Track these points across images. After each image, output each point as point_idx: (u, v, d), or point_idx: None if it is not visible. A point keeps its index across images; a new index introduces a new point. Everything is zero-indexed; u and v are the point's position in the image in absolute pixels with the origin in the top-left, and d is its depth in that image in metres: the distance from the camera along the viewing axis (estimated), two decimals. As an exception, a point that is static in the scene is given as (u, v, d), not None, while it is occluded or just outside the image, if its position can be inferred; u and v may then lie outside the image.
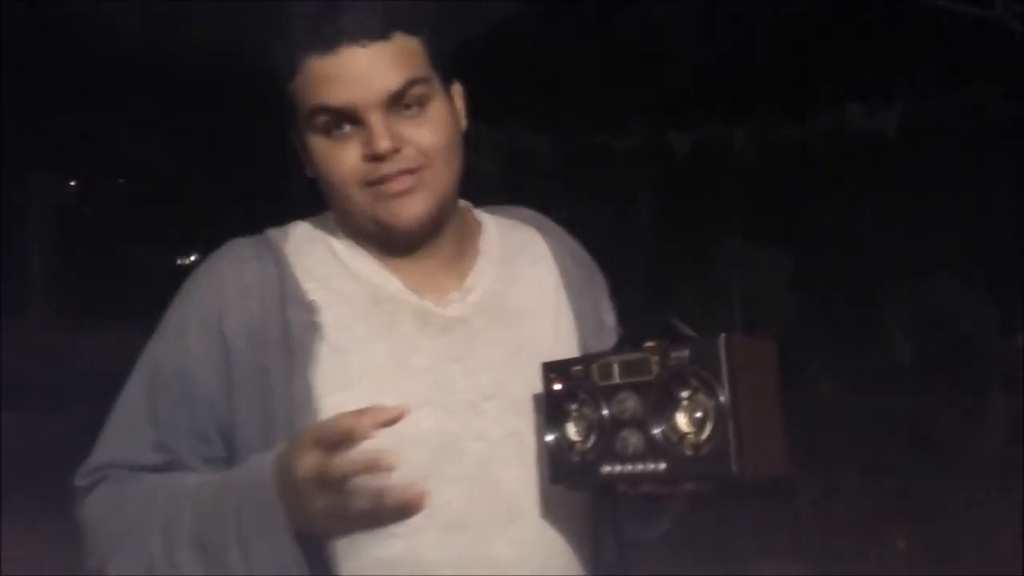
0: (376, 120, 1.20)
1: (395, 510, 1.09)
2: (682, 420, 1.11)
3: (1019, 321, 7.18)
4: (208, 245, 1.37)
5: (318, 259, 1.29)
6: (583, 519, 1.29)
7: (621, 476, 1.14)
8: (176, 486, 1.23)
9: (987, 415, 6.34)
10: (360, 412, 1.06)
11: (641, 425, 1.13)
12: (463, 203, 1.36)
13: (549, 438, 1.19)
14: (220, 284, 1.27)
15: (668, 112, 8.75)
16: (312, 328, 1.24)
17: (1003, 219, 7.26)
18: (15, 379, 7.37)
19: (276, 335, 1.23)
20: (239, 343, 1.24)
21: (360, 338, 1.24)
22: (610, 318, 1.42)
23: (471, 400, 1.25)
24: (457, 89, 1.31)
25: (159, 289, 1.34)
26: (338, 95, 1.20)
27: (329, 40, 1.20)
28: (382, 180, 1.22)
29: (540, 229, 1.41)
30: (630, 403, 1.14)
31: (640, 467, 1.12)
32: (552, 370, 1.20)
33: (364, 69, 1.20)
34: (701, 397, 1.10)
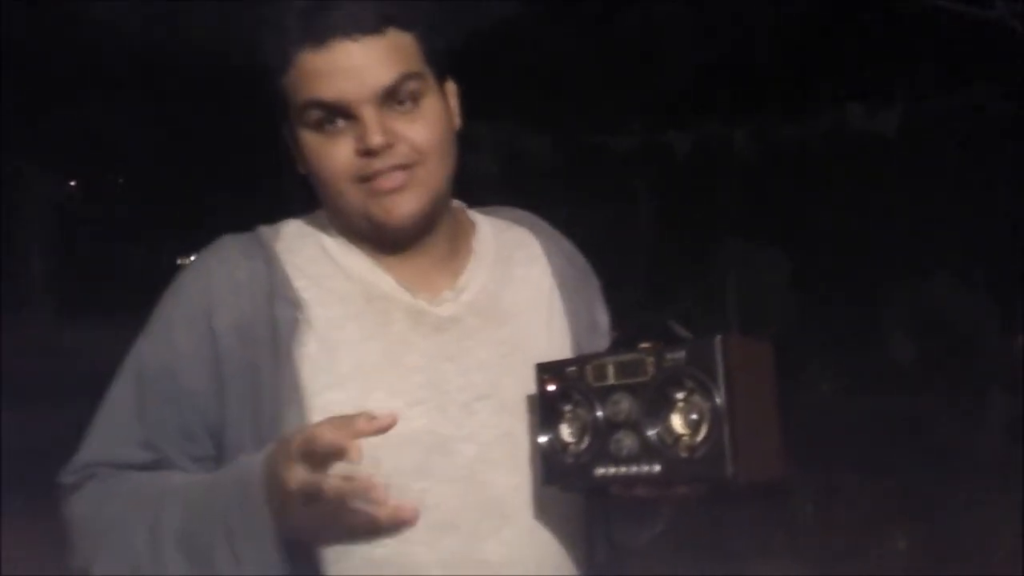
0: (369, 115, 1.19)
1: (385, 525, 1.08)
2: (677, 422, 1.10)
3: (1019, 321, 7.17)
4: (208, 245, 1.37)
5: (310, 257, 1.28)
6: (576, 520, 1.28)
7: (615, 478, 1.12)
8: (163, 485, 1.22)
9: (987, 415, 6.34)
10: (349, 420, 1.04)
11: (636, 427, 1.11)
12: (456, 203, 1.35)
13: (542, 439, 1.18)
14: (210, 281, 1.26)
15: (668, 112, 8.75)
16: (303, 326, 1.23)
17: (1003, 219, 7.26)
18: (15, 379, 7.37)
19: (266, 333, 1.22)
20: (229, 340, 1.22)
21: (352, 336, 1.23)
22: (604, 319, 1.41)
23: (464, 400, 1.24)
24: (451, 87, 1.30)
25: (159, 288, 1.33)
26: (330, 89, 1.19)
27: (322, 34, 1.19)
28: (374, 176, 1.21)
29: (534, 230, 1.41)
30: (625, 404, 1.12)
31: (634, 469, 1.11)
32: (546, 371, 1.19)
33: (357, 63, 1.19)
34: (697, 399, 1.09)
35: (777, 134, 8.51)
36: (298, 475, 1.06)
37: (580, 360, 1.18)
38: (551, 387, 1.18)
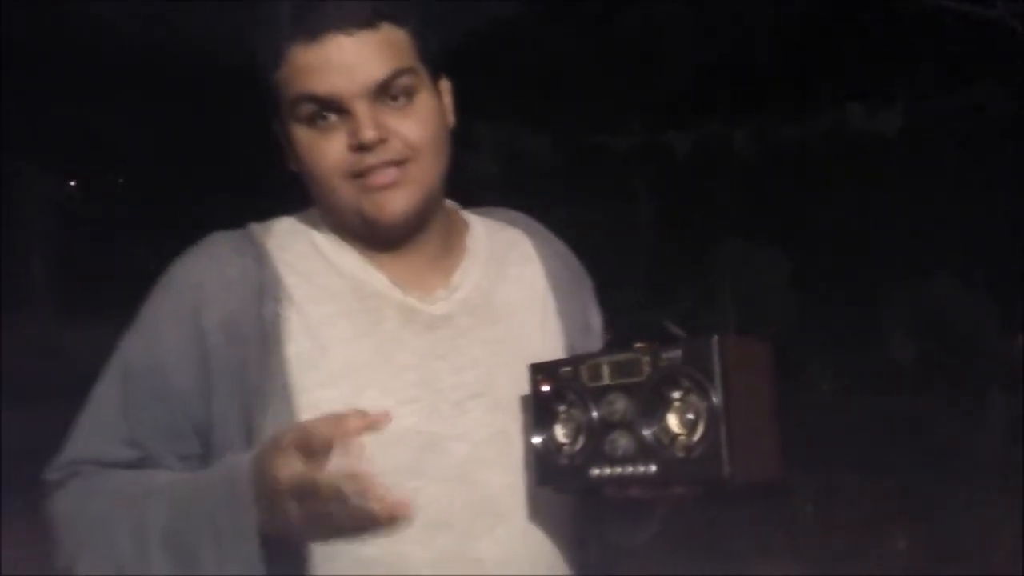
0: (362, 109, 1.18)
1: (378, 516, 1.04)
2: (673, 421, 1.09)
3: (1019, 321, 7.17)
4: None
5: (301, 254, 1.27)
6: (569, 520, 1.27)
7: (610, 479, 1.11)
8: (148, 484, 1.20)
9: (987, 415, 6.34)
10: (341, 417, 1.03)
11: (631, 427, 1.10)
12: (450, 203, 1.34)
13: (536, 440, 1.17)
14: (199, 278, 1.25)
15: (668, 112, 8.75)
16: (293, 323, 1.22)
17: (1003, 219, 7.26)
18: (15, 379, 7.36)
19: (255, 330, 1.21)
20: (218, 338, 1.21)
21: (344, 334, 1.22)
22: (597, 321, 1.41)
23: (456, 399, 1.23)
24: (445, 84, 1.29)
25: (158, 289, 1.32)
26: (323, 84, 1.18)
27: (314, 28, 1.18)
28: (367, 172, 1.20)
29: (527, 231, 1.40)
30: (620, 404, 1.11)
31: (630, 469, 1.10)
32: (540, 371, 1.18)
33: (350, 58, 1.18)
34: (693, 398, 1.08)
35: (777, 134, 8.51)
36: (291, 469, 1.04)
37: (574, 360, 1.17)
38: (545, 387, 1.17)
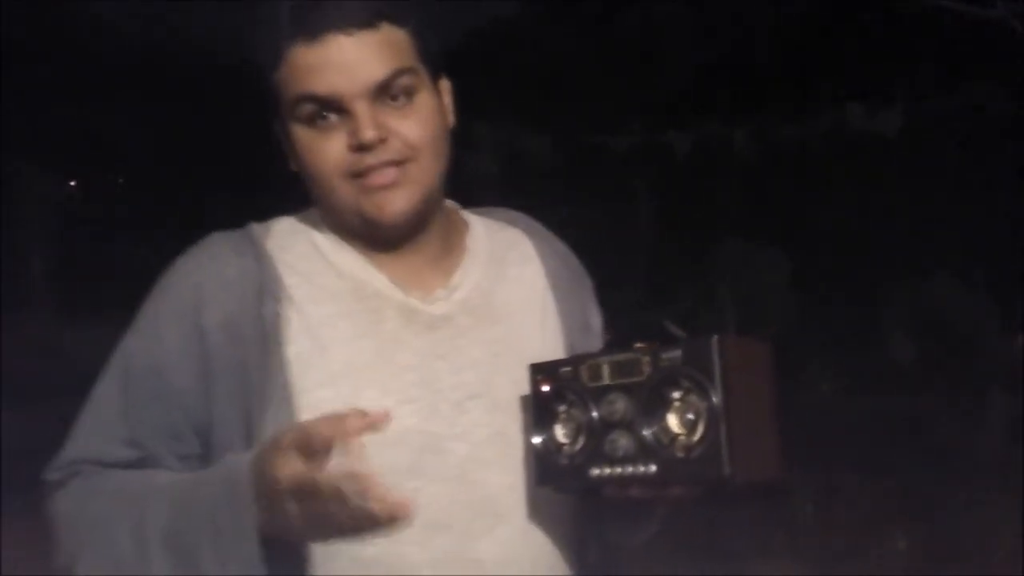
0: (362, 109, 1.18)
1: (374, 522, 1.04)
2: (673, 421, 1.09)
3: (1019, 321, 7.17)
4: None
5: (301, 254, 1.27)
6: (569, 520, 1.27)
7: (610, 479, 1.11)
8: (148, 484, 1.20)
9: (987, 415, 6.34)
10: (341, 417, 1.03)
11: (631, 426, 1.10)
12: (450, 203, 1.34)
13: (536, 440, 1.17)
14: (199, 278, 1.24)
15: (668, 112, 8.75)
16: (293, 324, 1.21)
17: (1003, 219, 7.26)
18: (15, 379, 7.36)
19: (255, 330, 1.20)
20: (218, 338, 1.21)
21: (343, 334, 1.22)
22: (597, 321, 1.40)
23: (456, 399, 1.23)
24: (445, 84, 1.29)
25: (158, 289, 1.32)
26: (323, 84, 1.18)
27: (314, 28, 1.18)
28: (367, 172, 1.20)
29: (527, 231, 1.39)
30: (620, 404, 1.11)
31: (630, 469, 1.10)
32: (540, 371, 1.18)
33: (350, 58, 1.18)
34: (693, 398, 1.08)
35: (777, 134, 8.51)
36: (291, 469, 1.03)
37: (574, 360, 1.17)
38: (545, 387, 1.17)
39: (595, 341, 1.35)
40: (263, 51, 1.22)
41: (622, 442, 1.10)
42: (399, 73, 1.20)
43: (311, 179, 1.24)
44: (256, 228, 1.30)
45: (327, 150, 1.20)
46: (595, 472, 1.12)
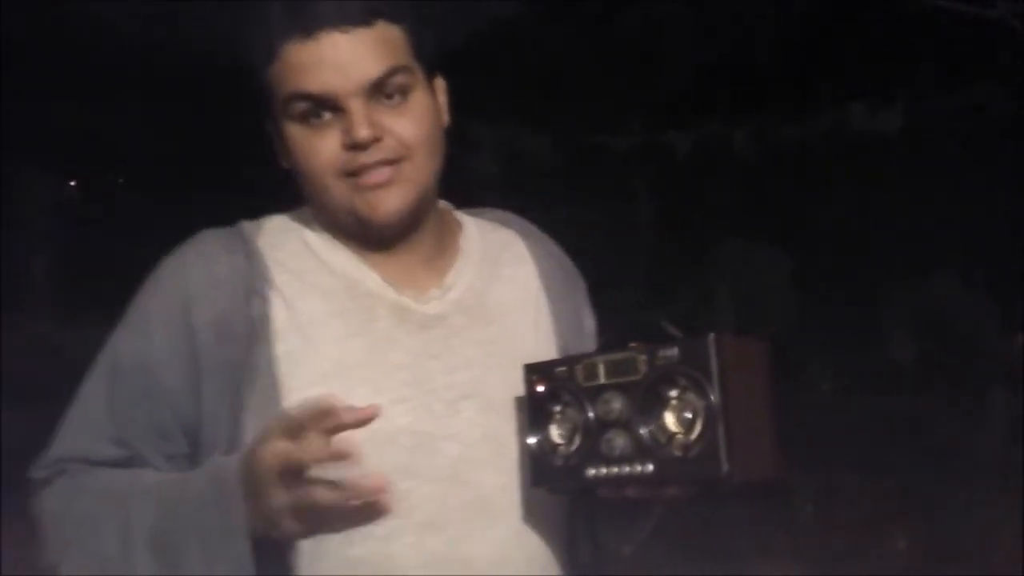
0: (356, 108, 1.17)
1: (360, 509, 1.03)
2: (670, 420, 1.08)
3: (1019, 321, 7.17)
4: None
5: (293, 252, 1.26)
6: (561, 521, 1.27)
7: (607, 479, 1.10)
8: (135, 483, 1.19)
9: (987, 415, 6.34)
10: (329, 409, 1.01)
11: (627, 425, 1.09)
12: (443, 204, 1.34)
13: (531, 441, 1.16)
14: (188, 276, 1.23)
15: (668, 112, 8.75)
16: (284, 322, 1.20)
17: (1003, 219, 7.25)
18: (15, 379, 7.35)
19: (245, 329, 1.19)
20: (207, 336, 1.20)
21: (335, 333, 1.21)
22: (590, 323, 1.40)
23: (449, 399, 1.22)
24: (440, 83, 1.28)
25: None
26: (317, 81, 1.17)
27: (308, 25, 1.17)
28: (360, 171, 1.19)
29: (521, 232, 1.39)
30: (616, 403, 1.10)
31: (627, 469, 1.09)
32: (534, 371, 1.17)
33: (344, 55, 1.17)
34: (691, 396, 1.07)
35: (777, 134, 8.51)
36: (276, 448, 1.02)
37: (569, 360, 1.16)
38: (540, 387, 1.16)
39: (589, 343, 1.34)
40: (256, 48, 1.21)
41: (619, 441, 1.10)
42: (394, 71, 1.19)
43: (304, 177, 1.23)
44: (247, 226, 1.29)
45: (320, 148, 1.20)
46: (591, 472, 1.11)
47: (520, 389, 1.18)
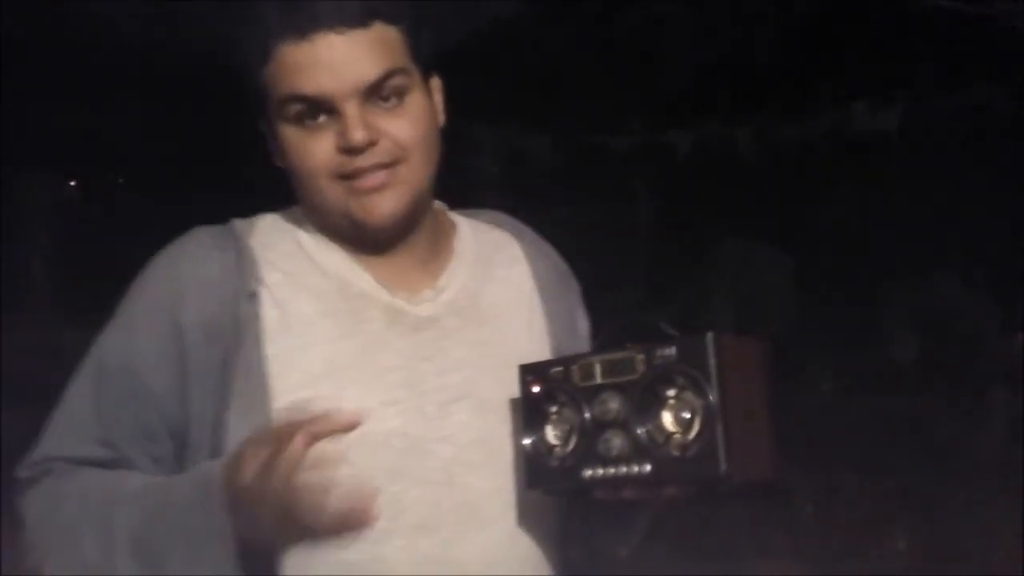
0: (352, 111, 1.16)
1: (345, 517, 1.03)
2: (668, 420, 1.08)
3: (1019, 321, 7.16)
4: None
5: (285, 252, 1.25)
6: (553, 522, 1.26)
7: (604, 479, 1.09)
8: (119, 486, 1.18)
9: (987, 415, 6.33)
10: (312, 417, 1.01)
11: (625, 426, 1.09)
12: (438, 204, 1.33)
13: (526, 442, 1.15)
14: (178, 275, 1.22)
15: (668, 112, 8.74)
16: (275, 323, 1.19)
17: (1003, 219, 7.25)
18: (15, 379, 7.34)
19: (235, 329, 1.18)
20: (196, 336, 1.18)
21: (327, 334, 1.20)
22: (584, 325, 1.39)
23: (441, 401, 1.21)
24: (436, 82, 1.27)
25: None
26: (312, 84, 1.16)
27: (304, 26, 1.15)
28: (356, 174, 1.18)
29: (515, 233, 1.38)
30: (613, 404, 1.10)
31: (624, 470, 1.08)
32: (530, 372, 1.16)
33: (340, 57, 1.16)
34: (689, 396, 1.06)
35: (777, 134, 8.50)
36: (259, 457, 1.02)
37: (565, 360, 1.15)
38: (535, 388, 1.15)
39: (582, 344, 1.34)
40: (251, 47, 1.20)
41: (616, 442, 1.09)
42: (391, 74, 1.18)
43: (298, 178, 1.22)
44: (239, 224, 1.28)
45: (315, 150, 1.19)
46: (588, 473, 1.10)
47: (514, 390, 1.18)
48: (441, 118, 1.27)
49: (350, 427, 1.01)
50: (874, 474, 5.61)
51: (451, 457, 1.20)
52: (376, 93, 1.18)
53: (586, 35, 8.82)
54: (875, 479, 5.57)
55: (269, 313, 1.20)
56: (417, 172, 1.22)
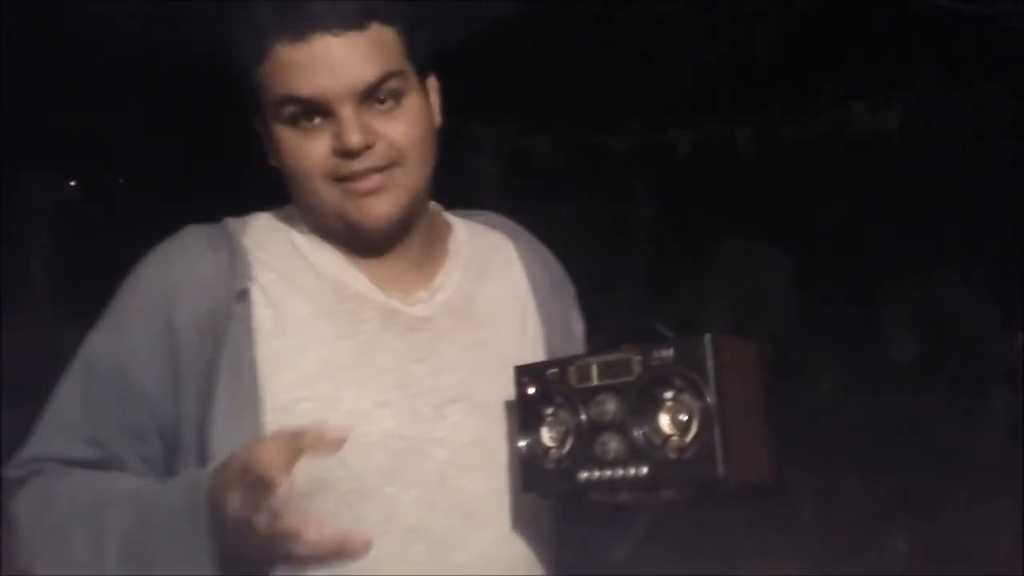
0: (347, 113, 1.15)
1: (333, 554, 1.01)
2: (665, 422, 1.07)
3: (1019, 321, 7.16)
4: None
5: (278, 252, 1.24)
6: (548, 524, 1.25)
7: (600, 482, 1.09)
8: (109, 489, 1.17)
9: (987, 415, 6.33)
10: (297, 436, 0.99)
11: (621, 428, 1.08)
12: (434, 205, 1.32)
13: (522, 444, 1.14)
14: (171, 274, 1.21)
15: (668, 112, 8.73)
16: (268, 323, 1.18)
17: (1003, 219, 7.24)
18: (15, 379, 7.34)
19: (228, 329, 1.17)
20: (189, 336, 1.17)
21: (321, 335, 1.19)
22: (579, 327, 1.39)
23: (435, 402, 1.21)
24: (433, 83, 1.26)
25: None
26: (308, 85, 1.15)
27: (301, 27, 1.14)
28: (351, 177, 1.17)
29: (510, 235, 1.38)
30: (610, 405, 1.09)
31: (620, 472, 1.08)
32: (525, 373, 1.15)
33: (337, 59, 1.15)
34: (686, 398, 1.06)
35: (778, 134, 8.50)
36: (234, 503, 1.01)
37: (562, 361, 1.14)
38: (531, 390, 1.14)
39: (577, 346, 1.34)
40: (246, 47, 1.19)
41: (612, 444, 1.08)
42: (388, 76, 1.17)
43: (292, 179, 1.21)
44: (232, 223, 1.27)
45: (310, 152, 1.18)
46: (584, 475, 1.10)
47: (508, 392, 1.17)
48: (438, 119, 1.26)
49: (338, 445, 1.00)
50: (874, 474, 5.61)
51: (446, 459, 1.20)
52: (372, 95, 1.17)
53: (586, 35, 8.82)
54: (875, 479, 5.57)
55: (262, 313, 1.19)
56: (413, 175, 1.21)
